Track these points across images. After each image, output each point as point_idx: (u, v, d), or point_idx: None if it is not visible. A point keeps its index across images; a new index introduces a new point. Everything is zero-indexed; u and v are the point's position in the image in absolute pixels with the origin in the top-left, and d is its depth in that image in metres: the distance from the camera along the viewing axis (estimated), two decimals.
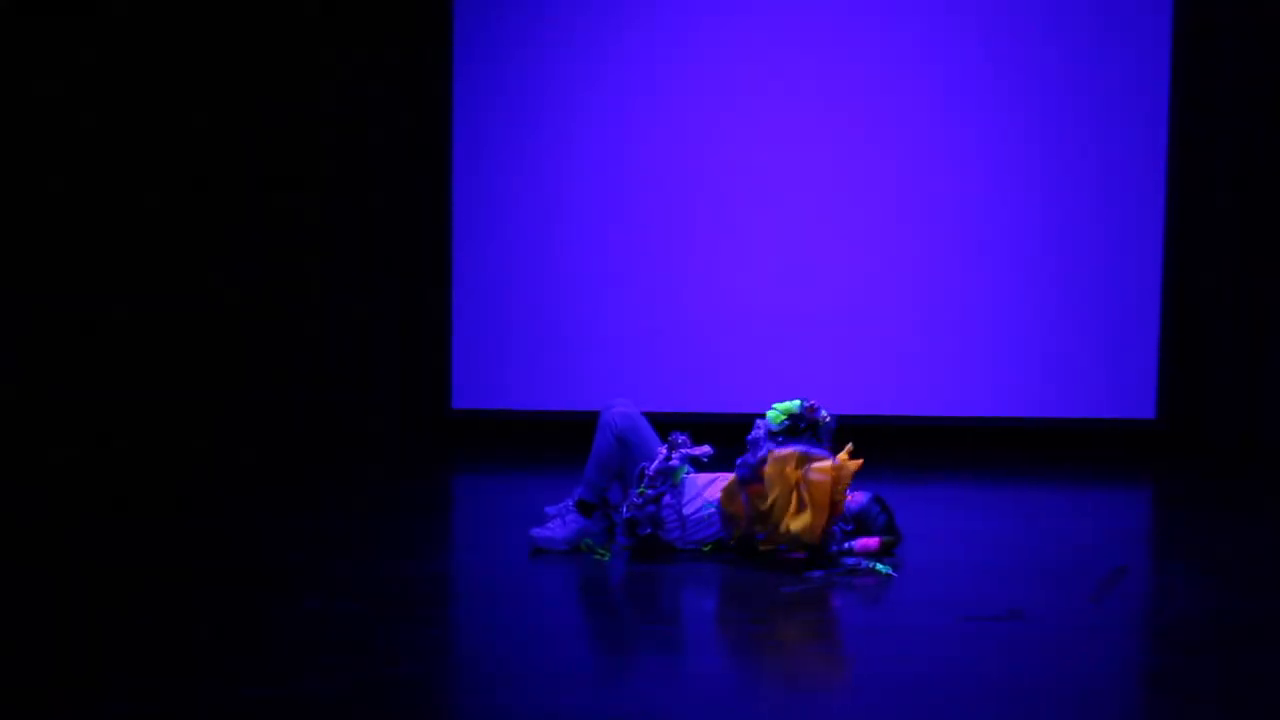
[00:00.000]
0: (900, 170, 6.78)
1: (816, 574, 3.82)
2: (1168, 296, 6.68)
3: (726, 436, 4.71)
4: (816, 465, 3.91)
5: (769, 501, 3.92)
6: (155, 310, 7.06)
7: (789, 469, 3.92)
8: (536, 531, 4.20)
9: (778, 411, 4.11)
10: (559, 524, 4.21)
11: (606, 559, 4.04)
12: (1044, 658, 3.06)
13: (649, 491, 4.10)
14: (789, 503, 3.90)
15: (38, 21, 6.72)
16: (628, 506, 4.11)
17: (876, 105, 6.79)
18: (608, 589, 3.86)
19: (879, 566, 3.88)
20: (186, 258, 7.06)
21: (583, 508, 4.21)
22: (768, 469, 3.95)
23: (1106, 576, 3.82)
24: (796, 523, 3.88)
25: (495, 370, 6.97)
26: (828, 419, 4.13)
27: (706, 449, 4.15)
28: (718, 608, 3.76)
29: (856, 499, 4.13)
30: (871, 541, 4.04)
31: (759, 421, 4.15)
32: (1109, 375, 6.70)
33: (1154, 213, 6.68)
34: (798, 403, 4.10)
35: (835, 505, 3.92)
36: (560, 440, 6.14)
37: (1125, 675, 3.06)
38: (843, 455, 3.99)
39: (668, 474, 4.13)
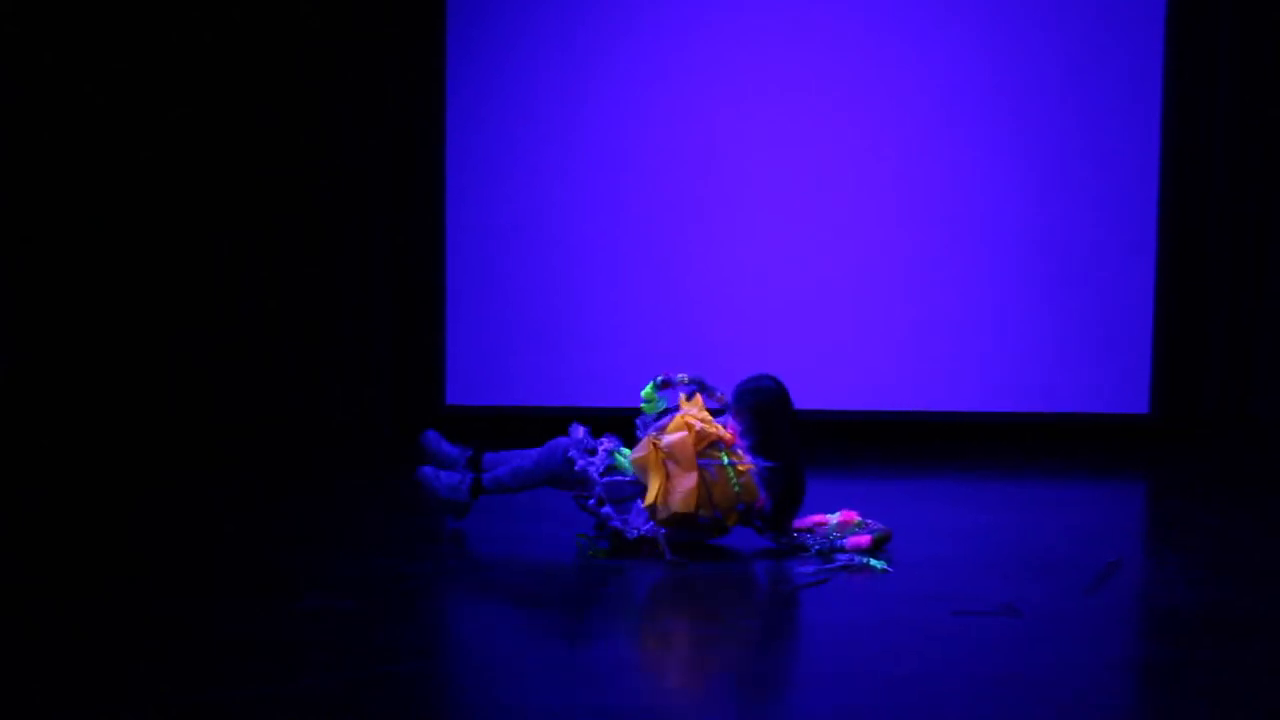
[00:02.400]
0: (894, 166, 6.79)
1: (808, 568, 3.84)
2: (1162, 291, 6.69)
3: None
4: (666, 430, 4.02)
5: (651, 493, 3.98)
6: (151, 308, 7.06)
7: (650, 449, 4.00)
8: (428, 470, 4.28)
9: (643, 400, 4.24)
10: (454, 480, 4.24)
11: (602, 557, 4.05)
12: (1037, 651, 3.08)
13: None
14: (658, 479, 3.97)
15: (38, 22, 6.72)
16: (629, 527, 4.09)
17: (872, 101, 6.79)
18: (606, 587, 3.87)
19: (873, 562, 3.89)
20: (182, 257, 7.06)
21: (476, 489, 4.26)
22: (634, 461, 4.06)
23: (1100, 570, 3.84)
24: (671, 500, 3.94)
25: (489, 367, 6.98)
26: (684, 379, 4.18)
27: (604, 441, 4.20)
28: (715, 605, 3.77)
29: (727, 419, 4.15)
30: (863, 539, 4.06)
31: (638, 419, 4.22)
32: (1103, 370, 6.72)
33: (1148, 208, 6.69)
34: (652, 383, 4.22)
35: (720, 436, 3.99)
36: (555, 437, 6.13)
37: (1119, 668, 3.07)
38: (681, 401, 4.12)
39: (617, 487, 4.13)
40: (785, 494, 4.11)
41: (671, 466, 3.95)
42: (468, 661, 3.14)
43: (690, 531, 4.05)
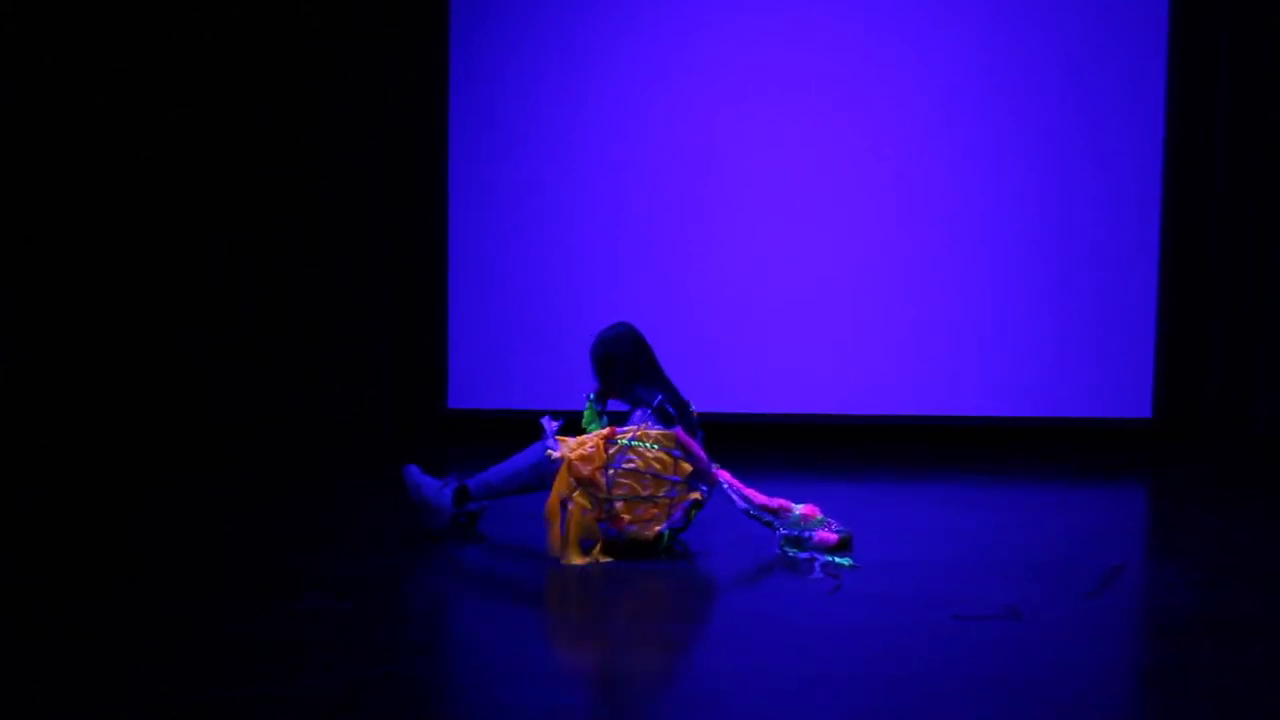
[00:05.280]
0: (896, 170, 6.80)
1: (816, 574, 3.84)
2: (1163, 295, 6.70)
3: (724, 435, 4.72)
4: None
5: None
6: (151, 312, 7.06)
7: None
8: (415, 469, 4.28)
9: (586, 423, 4.32)
10: (436, 488, 4.23)
11: (601, 560, 4.04)
12: (1038, 655, 3.07)
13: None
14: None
15: (46, 26, 6.71)
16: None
17: (873, 101, 6.80)
18: (606, 587, 3.86)
19: (840, 560, 3.91)
20: (182, 257, 7.06)
21: (460, 496, 4.25)
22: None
23: (1102, 574, 3.83)
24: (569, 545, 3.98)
25: (491, 370, 6.98)
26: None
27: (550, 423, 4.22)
28: (715, 604, 3.77)
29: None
30: (830, 536, 4.09)
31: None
32: (1106, 375, 6.72)
33: (1150, 212, 6.70)
34: (589, 403, 4.33)
35: (601, 437, 4.04)
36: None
37: (1119, 672, 3.07)
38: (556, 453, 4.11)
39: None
40: (686, 423, 4.19)
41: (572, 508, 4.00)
42: (468, 661, 3.14)
43: (678, 506, 4.07)
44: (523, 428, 6.83)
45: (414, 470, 4.32)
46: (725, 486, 4.21)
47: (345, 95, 6.99)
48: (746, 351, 6.84)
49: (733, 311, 6.85)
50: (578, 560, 3.92)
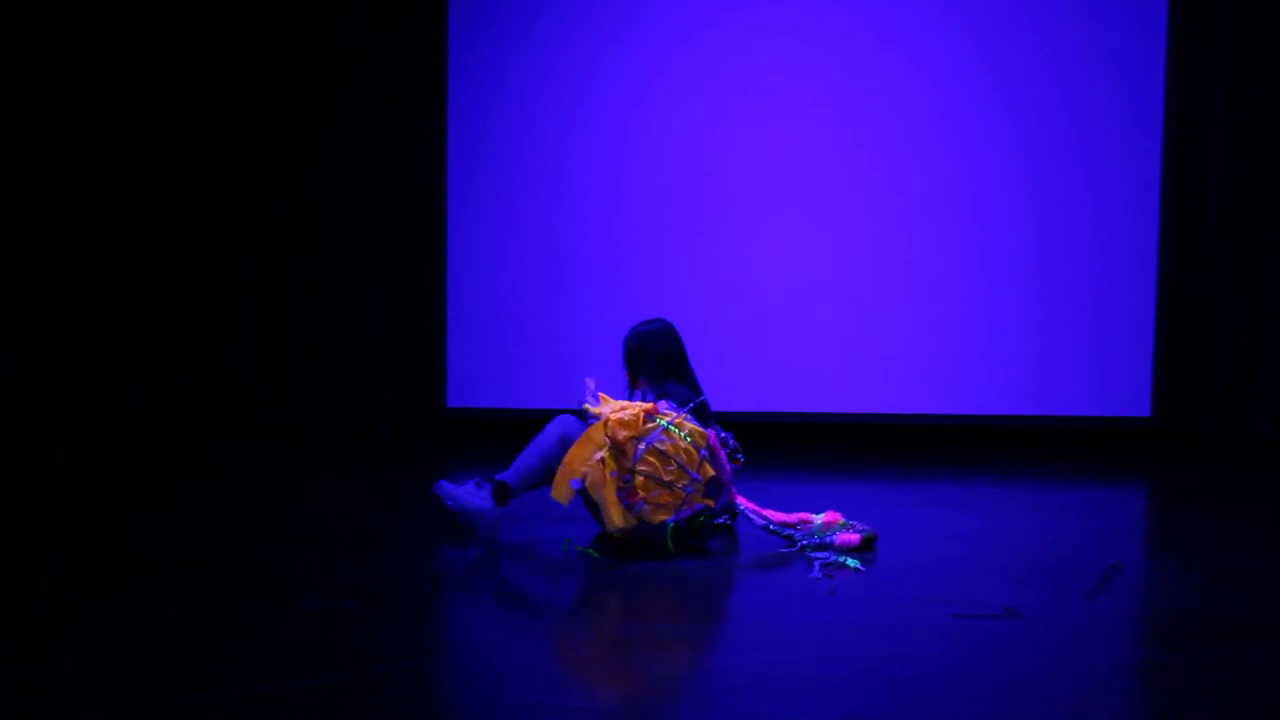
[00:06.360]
0: (896, 170, 6.80)
1: (816, 573, 3.84)
2: (1163, 294, 6.70)
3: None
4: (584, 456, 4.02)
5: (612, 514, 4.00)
6: (151, 312, 7.06)
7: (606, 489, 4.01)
8: (445, 483, 4.21)
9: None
10: (471, 492, 4.19)
11: (597, 555, 4.05)
12: (1039, 655, 3.07)
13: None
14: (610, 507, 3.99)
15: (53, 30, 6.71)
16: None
17: (874, 104, 6.80)
18: (606, 587, 3.86)
19: (849, 561, 3.91)
20: (182, 258, 7.06)
21: (501, 492, 4.21)
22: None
23: (1101, 574, 3.83)
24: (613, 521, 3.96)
25: (490, 369, 6.98)
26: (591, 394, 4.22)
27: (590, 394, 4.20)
28: (717, 604, 3.77)
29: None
30: (853, 537, 4.09)
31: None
32: (1104, 373, 6.73)
33: (1149, 211, 6.71)
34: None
35: (643, 409, 4.02)
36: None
37: (1120, 672, 3.07)
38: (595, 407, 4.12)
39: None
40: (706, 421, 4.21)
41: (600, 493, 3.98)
42: (468, 661, 3.13)
43: (689, 505, 4.07)
44: (522, 427, 6.86)
45: (444, 484, 4.25)
46: (743, 509, 4.22)
47: (344, 95, 6.99)
48: (745, 350, 6.84)
49: (732, 310, 6.85)
50: (619, 521, 3.92)
